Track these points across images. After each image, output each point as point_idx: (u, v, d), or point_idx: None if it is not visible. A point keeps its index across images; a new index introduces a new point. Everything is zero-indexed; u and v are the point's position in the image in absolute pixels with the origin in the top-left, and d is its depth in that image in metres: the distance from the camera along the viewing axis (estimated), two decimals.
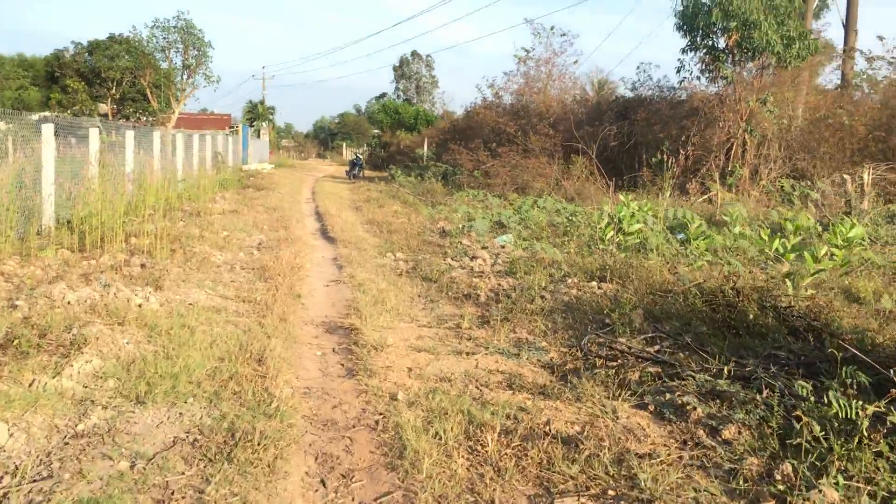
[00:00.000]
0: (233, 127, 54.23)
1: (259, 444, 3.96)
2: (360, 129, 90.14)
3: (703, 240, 9.68)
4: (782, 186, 17.84)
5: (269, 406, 4.57)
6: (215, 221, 13.17)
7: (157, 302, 7.09)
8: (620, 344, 5.80)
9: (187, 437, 4.15)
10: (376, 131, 65.45)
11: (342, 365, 5.73)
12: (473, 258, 10.33)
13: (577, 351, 5.86)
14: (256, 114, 57.83)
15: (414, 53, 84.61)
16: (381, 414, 4.63)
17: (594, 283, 8.44)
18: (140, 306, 6.87)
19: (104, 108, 53.88)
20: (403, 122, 56.49)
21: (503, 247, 11.63)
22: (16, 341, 5.25)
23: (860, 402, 3.99)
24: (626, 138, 20.63)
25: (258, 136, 51.29)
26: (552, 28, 25.28)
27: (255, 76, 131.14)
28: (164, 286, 7.61)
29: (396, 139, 50.79)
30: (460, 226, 12.85)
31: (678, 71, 20.03)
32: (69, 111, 50.36)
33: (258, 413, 4.44)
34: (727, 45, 18.28)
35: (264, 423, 4.27)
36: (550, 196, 18.31)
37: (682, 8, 18.93)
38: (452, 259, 10.36)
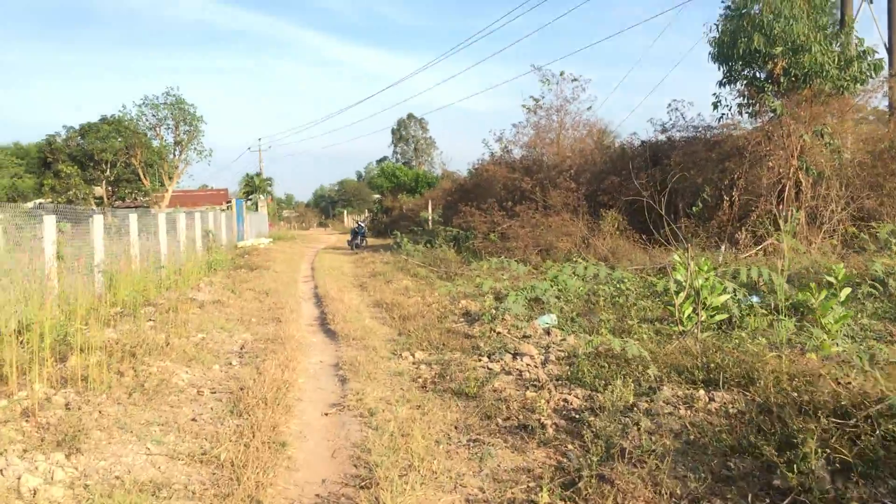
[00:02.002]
0: (229, 202, 52.31)
1: None
2: (361, 195, 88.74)
3: (839, 318, 7.15)
4: (852, 232, 15.44)
5: None
6: (192, 319, 10.79)
7: (66, 480, 4.65)
8: None
9: None
10: (377, 196, 63.70)
11: None
12: (517, 355, 7.87)
13: None
14: (253, 186, 56.04)
15: (410, 116, 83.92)
16: None
17: (702, 393, 5.99)
18: (34, 493, 4.44)
19: (99, 191, 52.19)
20: (404, 185, 54.73)
21: (547, 332, 9.21)
22: None
23: None
24: (658, 186, 18.35)
25: (256, 209, 49.32)
26: (562, 73, 23.25)
27: (251, 148, 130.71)
28: (84, 446, 5.17)
29: (399, 203, 48.89)
30: (492, 309, 10.40)
31: (715, 107, 17.73)
32: (63, 196, 48.69)
33: None
34: (772, 73, 16.07)
35: None
36: (580, 257, 15.95)
37: (717, 35, 16.74)
38: (489, 358, 7.90)
